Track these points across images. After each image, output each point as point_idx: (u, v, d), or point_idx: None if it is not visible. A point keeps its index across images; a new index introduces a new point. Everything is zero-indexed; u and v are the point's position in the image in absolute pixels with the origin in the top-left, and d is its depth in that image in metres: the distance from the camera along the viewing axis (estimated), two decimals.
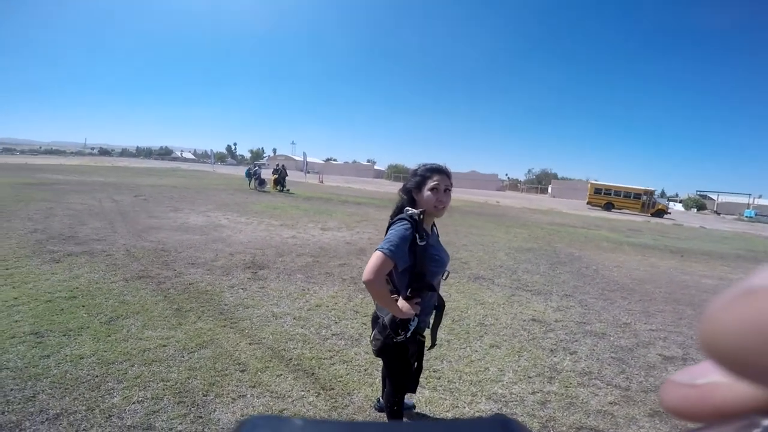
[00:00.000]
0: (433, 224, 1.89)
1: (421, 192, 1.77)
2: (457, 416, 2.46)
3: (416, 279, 1.71)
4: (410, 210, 1.74)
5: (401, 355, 1.79)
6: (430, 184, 1.75)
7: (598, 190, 32.39)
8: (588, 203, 32.44)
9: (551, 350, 3.47)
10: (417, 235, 1.67)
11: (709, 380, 0.18)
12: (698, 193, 63.47)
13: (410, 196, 1.81)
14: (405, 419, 2.21)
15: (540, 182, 73.27)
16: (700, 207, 53.88)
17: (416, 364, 1.91)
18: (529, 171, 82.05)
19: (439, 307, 1.87)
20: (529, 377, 2.97)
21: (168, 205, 10.59)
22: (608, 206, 30.94)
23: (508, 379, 2.93)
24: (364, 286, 1.62)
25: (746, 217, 40.35)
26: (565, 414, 2.56)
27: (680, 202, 59.90)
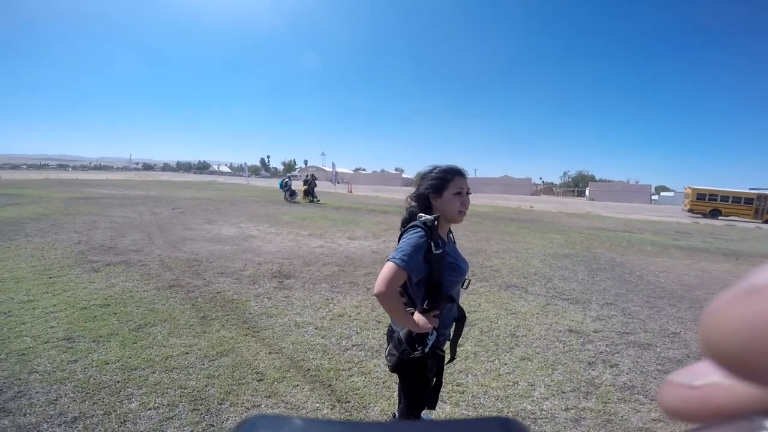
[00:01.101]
0: (449, 230, 1.76)
1: (442, 196, 1.64)
2: None
3: (433, 290, 1.58)
4: (423, 216, 1.61)
5: (419, 371, 1.67)
6: (454, 188, 1.64)
7: (701, 196, 29.17)
8: (689, 210, 29.33)
9: (589, 363, 3.22)
10: (432, 243, 1.54)
11: (709, 381, 0.18)
12: (752, 190, 59.26)
13: (425, 202, 1.68)
14: None
15: (576, 185, 70.74)
16: None
17: (435, 379, 1.77)
18: (565, 174, 79.32)
19: (460, 318, 1.72)
20: (563, 392, 2.75)
21: (203, 218, 10.91)
22: (714, 213, 28.10)
23: (539, 394, 2.72)
24: (374, 294, 1.50)
25: None
26: None
27: None
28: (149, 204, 13.97)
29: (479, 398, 2.63)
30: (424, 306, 1.59)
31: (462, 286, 1.72)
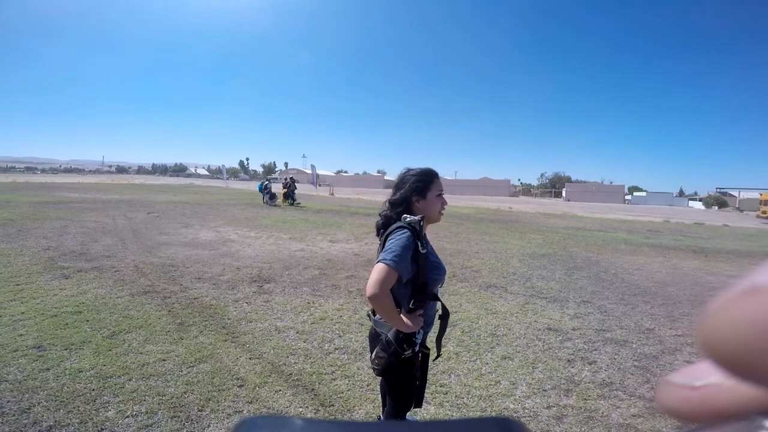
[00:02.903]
0: (425, 232, 1.79)
1: (426, 198, 1.69)
2: None
3: (419, 290, 1.61)
4: (409, 217, 1.63)
5: (407, 371, 1.68)
6: (436, 189, 1.70)
7: None
8: (763, 215, 28.65)
9: (568, 361, 3.28)
10: (419, 243, 1.57)
11: (709, 382, 0.18)
12: (718, 190, 61.85)
13: (407, 205, 1.70)
14: None
15: (554, 186, 72.28)
16: (722, 204, 52.28)
17: (420, 378, 1.77)
18: (542, 175, 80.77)
19: (444, 315, 1.75)
20: (544, 390, 2.79)
21: (179, 222, 10.66)
22: None
23: (521, 392, 2.76)
24: (368, 300, 1.51)
25: None
26: (583, 429, 2.38)
27: (700, 200, 58.29)
28: (123, 208, 13.55)
29: (462, 398, 2.64)
30: (411, 305, 1.61)
31: (440, 284, 1.75)
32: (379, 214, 1.78)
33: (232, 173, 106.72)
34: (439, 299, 1.69)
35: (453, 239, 9.71)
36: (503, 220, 16.34)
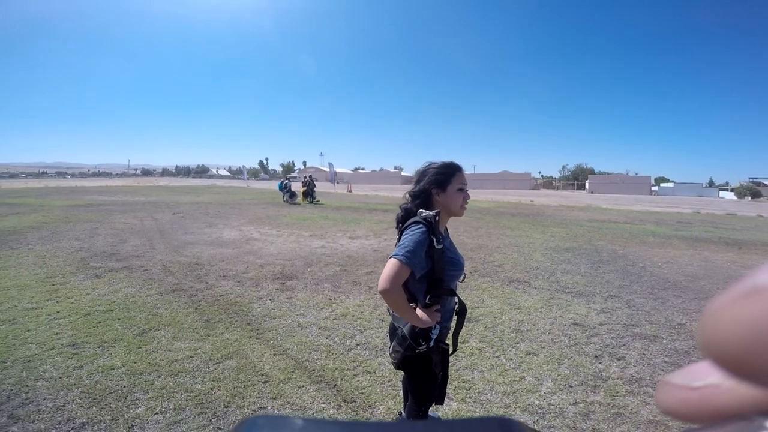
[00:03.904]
0: (446, 226, 1.77)
1: (446, 191, 1.66)
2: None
3: (435, 285, 1.59)
4: (424, 212, 1.61)
5: (425, 366, 1.67)
6: (457, 183, 1.66)
7: None
8: None
9: (595, 356, 3.21)
10: (434, 239, 1.55)
11: (709, 382, 0.18)
12: (751, 180, 59.19)
13: (426, 198, 1.68)
14: None
15: (576, 178, 70.62)
16: (755, 194, 50.03)
17: (441, 374, 1.76)
18: (564, 167, 79.10)
19: (461, 311, 1.73)
20: (571, 386, 2.74)
21: (204, 221, 10.90)
22: None
23: (546, 389, 2.71)
24: (378, 291, 1.50)
25: None
26: (611, 426, 2.32)
27: (732, 190, 55.92)
28: (149, 209, 13.96)
29: (486, 394, 2.62)
30: (426, 301, 1.59)
31: (459, 279, 1.73)
32: (400, 207, 1.76)
33: (253, 173, 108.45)
34: (455, 294, 1.67)
35: (473, 234, 9.61)
36: (525, 213, 16.06)
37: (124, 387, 2.59)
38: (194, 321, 3.71)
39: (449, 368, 1.80)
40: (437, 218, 1.59)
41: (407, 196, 1.76)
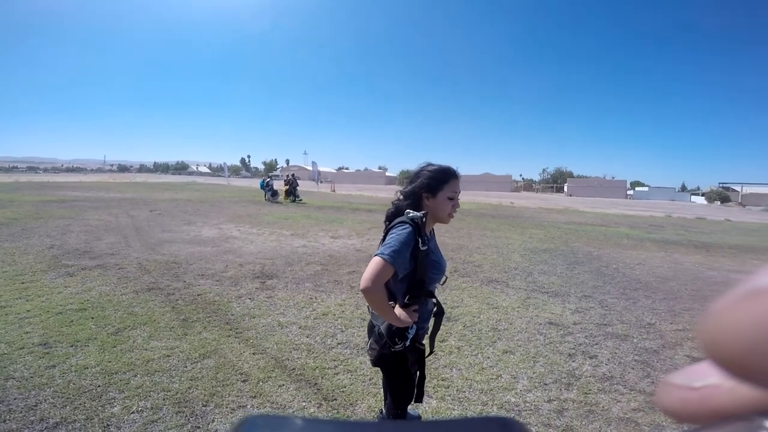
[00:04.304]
0: (432, 228, 1.78)
1: (435, 197, 1.65)
2: None
3: (415, 286, 1.60)
4: (411, 212, 1.61)
5: (401, 364, 1.69)
6: (449, 191, 1.66)
7: None
8: None
9: (569, 355, 3.30)
10: (420, 240, 1.55)
11: (709, 383, 0.18)
12: (720, 185, 61.59)
13: (416, 199, 1.68)
14: None
15: (555, 181, 72.11)
16: (724, 199, 52.19)
17: (418, 372, 1.79)
18: (544, 170, 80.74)
19: (439, 313, 1.75)
20: (545, 384, 2.82)
21: (182, 219, 10.70)
22: None
23: (522, 386, 2.78)
24: (360, 289, 1.50)
25: None
26: (583, 423, 2.40)
27: (702, 195, 58.15)
28: (125, 206, 13.61)
29: (464, 392, 2.67)
30: (405, 301, 1.60)
31: (440, 282, 1.74)
32: (392, 203, 1.76)
33: (234, 171, 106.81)
34: (434, 297, 1.69)
35: (455, 234, 9.72)
36: (505, 215, 16.33)
37: (99, 386, 2.55)
38: (171, 320, 3.65)
39: (426, 367, 1.82)
40: (424, 220, 1.60)
41: (399, 194, 1.76)
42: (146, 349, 3.07)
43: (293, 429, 0.19)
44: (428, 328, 1.76)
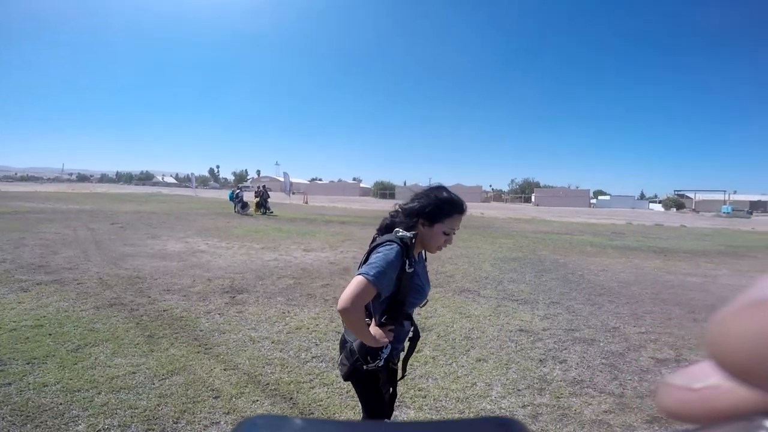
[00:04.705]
0: (422, 251, 1.70)
1: (432, 227, 1.57)
2: None
3: (394, 307, 1.54)
4: (401, 232, 1.53)
5: (372, 383, 1.61)
6: (448, 225, 1.57)
7: None
8: None
9: (540, 360, 3.38)
10: (406, 261, 1.48)
11: (708, 384, 0.18)
12: (676, 192, 65.44)
13: (413, 220, 1.58)
14: None
15: (523, 191, 74.21)
16: (679, 206, 55.54)
17: (388, 392, 1.70)
18: (512, 181, 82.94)
19: (414, 338, 1.70)
20: (519, 390, 2.87)
21: (146, 232, 10.29)
22: None
23: (497, 393, 2.82)
24: (337, 309, 1.42)
25: (724, 213, 41.39)
26: (558, 426, 2.46)
27: (660, 202, 61.51)
28: (84, 219, 12.98)
29: (441, 401, 2.68)
30: (382, 320, 1.54)
31: (420, 305, 1.69)
32: (390, 214, 1.70)
33: (202, 181, 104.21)
34: (412, 320, 1.63)
35: None
36: (475, 225, 16.63)
37: (60, 404, 2.43)
38: (136, 336, 3.50)
39: (398, 385, 1.75)
40: (414, 241, 1.53)
41: (398, 207, 1.67)
42: (110, 366, 2.93)
43: (293, 429, 0.19)
44: (402, 349, 1.70)
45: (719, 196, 57.15)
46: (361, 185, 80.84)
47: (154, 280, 5.47)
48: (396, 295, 1.51)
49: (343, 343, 1.68)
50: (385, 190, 71.32)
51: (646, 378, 3.12)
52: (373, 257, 1.49)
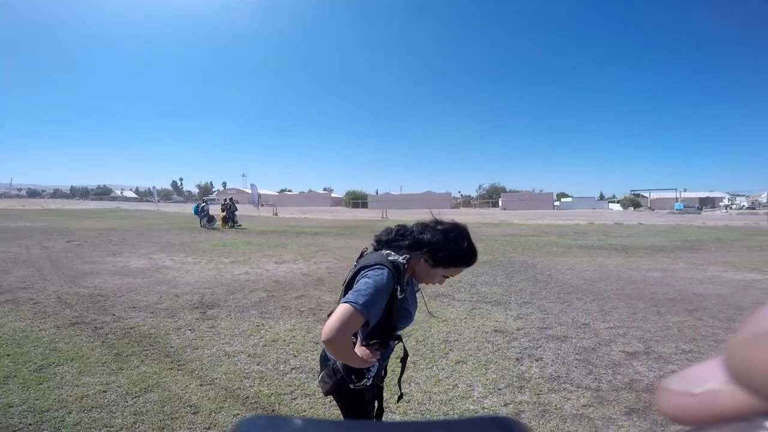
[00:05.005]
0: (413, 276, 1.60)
1: (433, 267, 1.48)
2: None
3: (382, 332, 1.46)
4: (393, 255, 1.43)
5: (357, 400, 1.54)
6: (451, 272, 1.51)
7: None
8: None
9: (517, 359, 3.45)
10: (398, 288, 1.39)
11: (708, 388, 0.18)
12: (632, 192, 69.03)
13: (415, 249, 1.46)
14: None
15: (491, 196, 75.99)
16: (636, 205, 58.71)
17: (375, 406, 1.63)
18: (480, 186, 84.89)
19: (404, 357, 1.67)
20: (499, 389, 2.92)
21: (106, 249, 9.81)
22: None
23: (478, 393, 2.86)
24: (323, 343, 1.30)
25: (677, 209, 44.20)
26: (541, 422, 2.51)
27: (618, 202, 64.67)
28: (37, 236, 12.24)
29: (425, 404, 2.69)
30: (369, 342, 1.45)
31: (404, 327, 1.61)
32: (395, 228, 1.58)
33: (164, 195, 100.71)
34: (401, 340, 1.56)
35: None
36: None
37: (30, 425, 2.31)
38: (102, 355, 3.33)
39: (385, 384, 1.73)
40: (406, 266, 1.43)
41: (412, 228, 1.56)
42: (78, 386, 2.80)
43: (293, 429, 0.19)
44: (387, 364, 1.64)
45: (671, 194, 60.88)
46: (333, 195, 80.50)
47: (117, 298, 5.22)
48: (385, 321, 1.43)
49: (324, 359, 1.59)
50: (357, 200, 71.22)
51: (619, 371, 3.23)
52: (362, 282, 1.37)
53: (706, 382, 0.19)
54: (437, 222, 1.55)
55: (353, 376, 1.46)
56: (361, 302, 1.29)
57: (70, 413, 2.46)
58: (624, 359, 3.49)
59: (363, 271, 1.40)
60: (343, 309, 1.29)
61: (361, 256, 1.55)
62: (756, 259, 8.85)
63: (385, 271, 1.37)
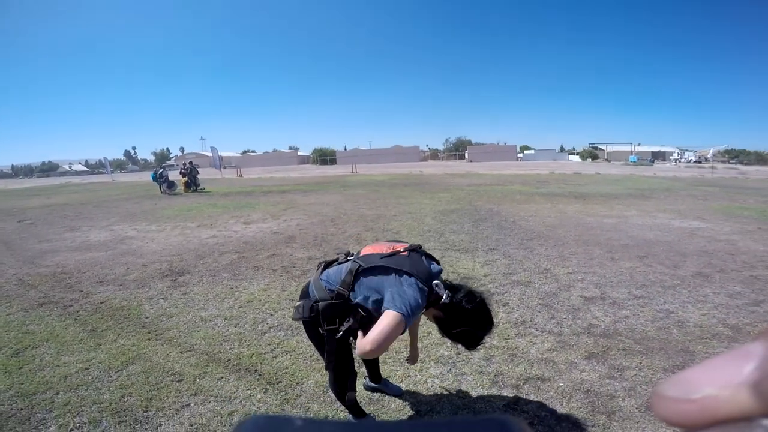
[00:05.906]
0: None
1: (449, 325, 1.66)
2: (410, 385, 2.51)
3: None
4: (440, 286, 1.57)
5: (321, 338, 1.64)
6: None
7: None
8: None
9: None
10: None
11: (706, 393, 0.18)
12: (590, 145, 71.49)
13: (454, 297, 1.62)
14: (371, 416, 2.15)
15: (457, 149, 76.33)
16: (594, 157, 61.27)
17: (334, 361, 1.70)
18: (447, 140, 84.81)
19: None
20: None
21: (62, 225, 9.33)
22: None
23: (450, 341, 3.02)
24: (359, 354, 1.35)
25: (631, 162, 46.78)
26: (510, 366, 2.64)
27: (577, 154, 66.97)
28: None
29: (402, 353, 2.78)
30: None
31: None
32: (430, 261, 1.72)
33: (118, 165, 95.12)
34: None
35: (372, 205, 10.01)
36: (415, 183, 17.09)
37: (21, 410, 2.31)
38: (77, 332, 3.29)
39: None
40: (435, 299, 1.58)
41: (458, 283, 1.77)
42: (59, 366, 2.78)
43: (294, 429, 0.19)
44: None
45: (626, 148, 63.62)
46: (300, 153, 78.45)
47: (82, 274, 5.07)
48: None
49: (305, 295, 1.68)
50: (325, 157, 70.06)
51: (578, 316, 3.37)
52: (401, 289, 1.45)
53: (703, 387, 0.19)
54: (479, 308, 1.67)
55: (326, 323, 1.57)
56: (406, 311, 1.36)
57: (57, 394, 2.46)
58: (582, 304, 3.62)
59: (411, 278, 1.50)
60: (390, 315, 1.34)
61: (413, 251, 1.68)
62: (700, 208, 9.34)
63: (425, 291, 1.50)
